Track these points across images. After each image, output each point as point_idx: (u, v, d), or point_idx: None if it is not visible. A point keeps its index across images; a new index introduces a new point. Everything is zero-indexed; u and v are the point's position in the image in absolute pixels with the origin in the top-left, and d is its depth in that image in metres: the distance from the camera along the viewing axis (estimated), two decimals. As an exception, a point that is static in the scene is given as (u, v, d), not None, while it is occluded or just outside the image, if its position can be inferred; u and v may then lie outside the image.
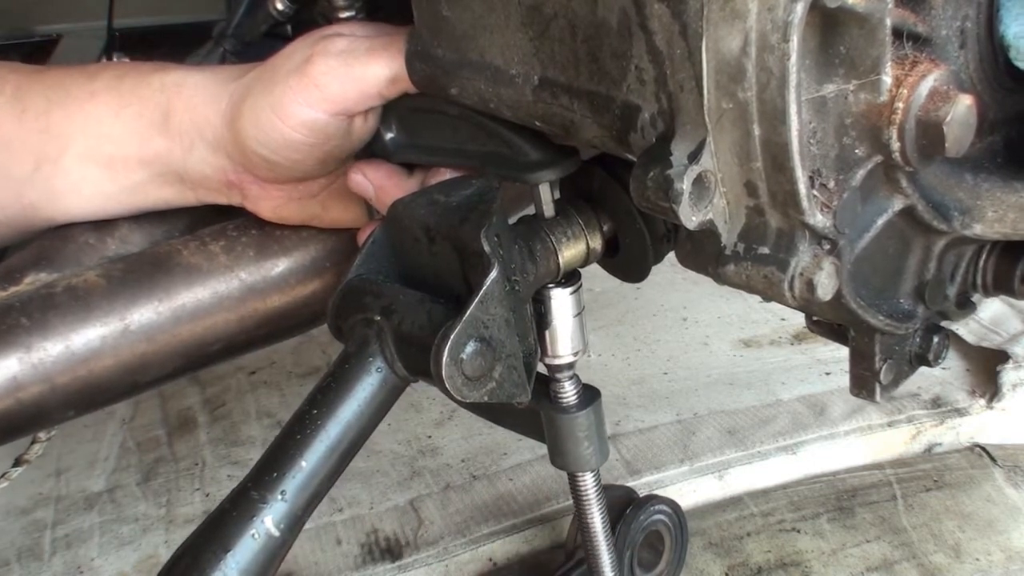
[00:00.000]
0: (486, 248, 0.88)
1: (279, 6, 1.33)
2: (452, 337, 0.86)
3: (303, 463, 0.89)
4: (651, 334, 2.12)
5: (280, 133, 1.06)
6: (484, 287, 0.88)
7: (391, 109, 1.09)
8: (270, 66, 1.09)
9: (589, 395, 1.13)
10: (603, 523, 1.21)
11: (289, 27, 1.50)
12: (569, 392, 1.12)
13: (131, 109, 1.12)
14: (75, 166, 1.13)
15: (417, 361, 0.90)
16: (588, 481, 1.19)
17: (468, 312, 0.87)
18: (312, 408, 0.91)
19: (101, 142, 1.12)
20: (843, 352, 1.91)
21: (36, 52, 1.96)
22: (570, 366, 1.11)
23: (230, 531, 0.87)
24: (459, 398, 0.88)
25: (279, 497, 0.88)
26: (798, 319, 2.07)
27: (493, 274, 0.88)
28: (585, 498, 1.20)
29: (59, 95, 1.13)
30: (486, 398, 0.90)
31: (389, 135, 1.10)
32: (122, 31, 1.90)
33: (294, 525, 0.89)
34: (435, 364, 0.87)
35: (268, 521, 0.87)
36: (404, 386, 0.94)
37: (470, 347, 0.87)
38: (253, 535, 0.86)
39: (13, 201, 1.14)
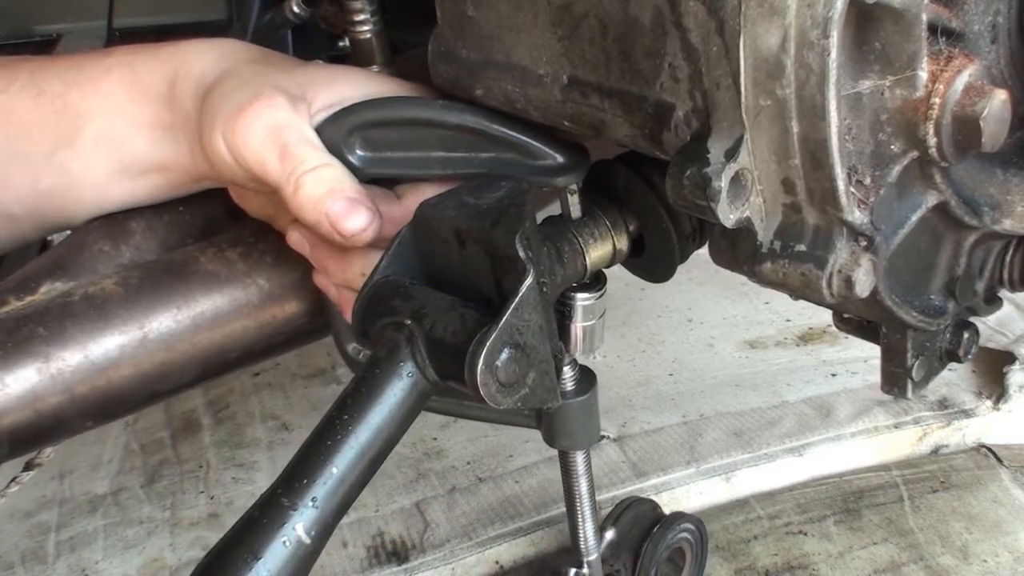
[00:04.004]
0: (521, 254, 0.87)
1: (295, 9, 1.32)
2: (488, 344, 0.85)
3: (334, 469, 0.88)
4: (656, 335, 2.11)
5: (210, 151, 1.05)
6: (520, 294, 0.86)
7: (350, 130, 1.04)
8: (243, 75, 1.07)
9: (586, 380, 1.16)
10: (590, 495, 1.26)
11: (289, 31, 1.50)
12: (568, 378, 1.14)
13: (141, 84, 1.11)
14: (89, 147, 1.11)
15: (450, 367, 0.89)
16: (579, 458, 1.23)
17: (504, 319, 0.86)
18: (343, 413, 0.90)
19: (115, 120, 1.11)
20: (848, 354, 1.95)
21: (36, 52, 1.96)
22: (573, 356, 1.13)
23: (260, 538, 0.85)
24: (493, 405, 0.88)
25: (310, 504, 0.87)
26: (803, 320, 2.08)
27: (529, 280, 0.87)
28: (575, 473, 1.24)
29: (74, 75, 1.12)
30: (519, 404, 0.89)
31: (354, 155, 1.04)
32: (122, 31, 1.90)
33: (324, 532, 0.88)
34: (470, 371, 0.86)
35: (299, 528, 0.86)
36: (433, 391, 0.93)
37: (505, 354, 0.86)
38: (284, 542, 0.85)
39: (30, 187, 1.13)
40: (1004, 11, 0.87)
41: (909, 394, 1.01)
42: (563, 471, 1.25)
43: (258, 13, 1.47)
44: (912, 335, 0.99)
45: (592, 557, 1.29)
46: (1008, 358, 1.87)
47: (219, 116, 1.02)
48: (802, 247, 0.83)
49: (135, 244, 1.16)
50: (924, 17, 0.77)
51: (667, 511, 1.45)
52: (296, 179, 1.00)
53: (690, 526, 1.45)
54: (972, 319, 1.05)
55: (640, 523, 1.41)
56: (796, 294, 0.86)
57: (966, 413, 1.80)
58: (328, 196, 1.00)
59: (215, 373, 1.16)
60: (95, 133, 1.11)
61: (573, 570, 1.29)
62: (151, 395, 1.12)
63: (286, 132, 1.01)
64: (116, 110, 1.11)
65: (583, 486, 1.25)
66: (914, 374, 1.01)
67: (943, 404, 1.81)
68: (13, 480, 1.39)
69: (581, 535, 1.28)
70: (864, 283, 0.81)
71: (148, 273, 1.12)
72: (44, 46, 1.93)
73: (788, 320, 2.10)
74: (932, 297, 0.94)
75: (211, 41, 1.13)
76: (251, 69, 1.08)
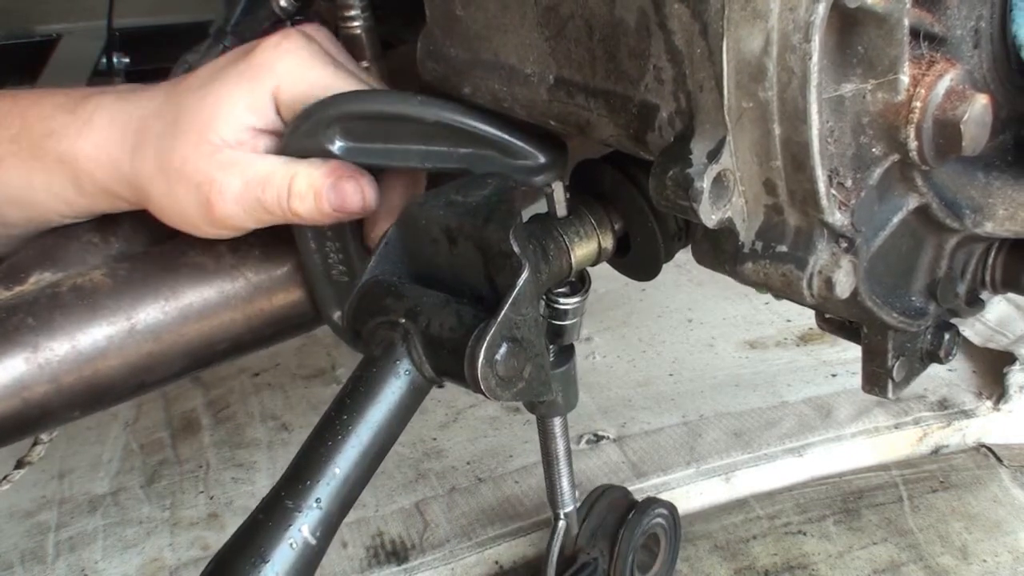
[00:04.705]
0: (516, 249, 0.88)
1: (282, 3, 1.32)
2: (487, 339, 0.86)
3: (336, 469, 0.88)
4: (656, 335, 2.11)
5: (211, 234, 1.09)
6: (517, 288, 0.88)
7: (329, 122, 1.04)
8: (166, 151, 1.06)
9: (565, 353, 1.18)
10: (566, 455, 1.30)
11: (289, 23, 1.50)
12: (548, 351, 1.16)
13: (40, 178, 1.10)
14: (21, 227, 1.14)
15: (448, 363, 0.90)
16: (557, 422, 1.27)
17: (502, 313, 0.87)
18: (341, 413, 0.91)
19: (32, 205, 1.12)
20: (848, 354, 1.94)
21: (36, 52, 1.97)
22: None
23: (266, 541, 0.86)
24: (491, 398, 0.89)
25: (314, 504, 0.87)
26: (803, 321, 2.08)
27: (525, 275, 0.88)
28: (553, 436, 1.29)
29: None
30: (516, 398, 0.91)
31: (334, 144, 1.05)
32: (122, 31, 1.91)
33: (329, 532, 0.88)
34: (470, 366, 0.87)
35: (304, 529, 0.86)
36: (430, 388, 0.94)
37: (504, 348, 0.87)
38: (291, 544, 0.86)
39: None
40: (987, 16, 0.87)
41: (890, 394, 1.01)
42: (541, 434, 1.28)
43: (245, 8, 1.47)
44: (893, 336, 0.99)
45: (568, 509, 1.34)
46: (1008, 358, 1.86)
47: (191, 216, 1.07)
48: (783, 248, 0.83)
49: (124, 236, 1.17)
50: (906, 22, 0.77)
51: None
52: (287, 211, 1.05)
53: (663, 511, 1.46)
54: (959, 320, 1.05)
55: (614, 510, 1.42)
56: (778, 294, 0.87)
57: (966, 413, 1.79)
58: (321, 198, 1.03)
59: (202, 364, 1.17)
60: (20, 216, 1.13)
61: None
62: (138, 386, 1.13)
63: (250, 190, 1.04)
64: (26, 199, 1.12)
65: (560, 447, 1.29)
66: (895, 374, 1.01)
67: (943, 404, 1.81)
68: (4, 478, 1.39)
69: (558, 490, 1.32)
70: (844, 284, 0.82)
71: (137, 265, 1.13)
72: (44, 46, 1.94)
73: (788, 320, 2.10)
74: (913, 299, 0.95)
75: (95, 129, 1.09)
76: (155, 151, 1.07)
